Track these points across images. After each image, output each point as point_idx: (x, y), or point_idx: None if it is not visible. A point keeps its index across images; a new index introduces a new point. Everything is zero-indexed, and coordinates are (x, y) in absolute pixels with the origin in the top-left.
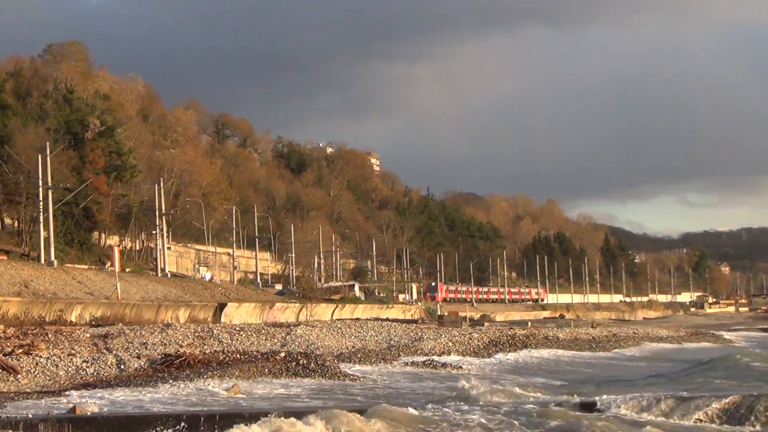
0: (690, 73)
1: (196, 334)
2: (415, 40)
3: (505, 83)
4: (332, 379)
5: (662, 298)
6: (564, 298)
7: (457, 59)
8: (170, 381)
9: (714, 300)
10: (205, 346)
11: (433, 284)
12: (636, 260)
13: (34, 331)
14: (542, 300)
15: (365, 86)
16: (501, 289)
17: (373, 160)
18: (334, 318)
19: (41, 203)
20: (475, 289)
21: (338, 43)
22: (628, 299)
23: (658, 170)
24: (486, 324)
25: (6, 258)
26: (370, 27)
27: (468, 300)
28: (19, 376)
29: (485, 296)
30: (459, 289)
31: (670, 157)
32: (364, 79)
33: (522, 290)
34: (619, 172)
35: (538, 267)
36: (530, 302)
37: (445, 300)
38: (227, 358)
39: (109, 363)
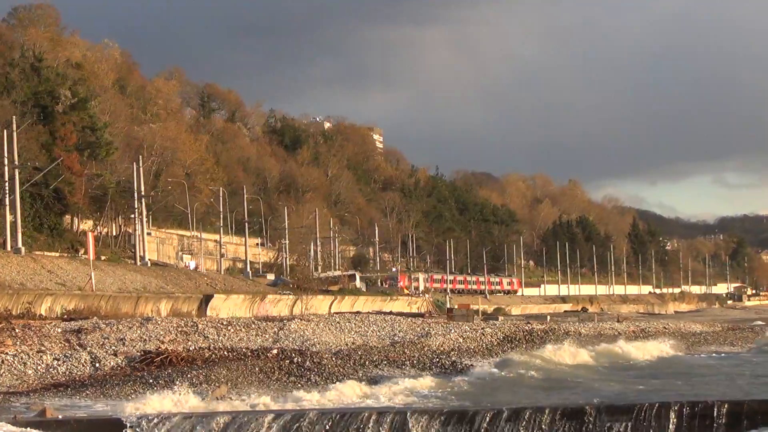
0: (732, 45)
1: (179, 329)
2: (424, 0)
3: (526, 50)
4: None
5: (696, 289)
6: (587, 290)
7: (472, 22)
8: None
9: (753, 291)
10: (189, 343)
11: (394, 269)
12: (667, 247)
13: (0, 326)
14: (515, 292)
15: (367, 53)
16: (480, 279)
17: (376, 136)
18: (332, 311)
19: (7, 184)
20: (451, 277)
21: (337, 3)
22: (658, 291)
23: (693, 147)
24: (500, 318)
25: None
26: None
27: (443, 291)
28: None
29: (463, 286)
30: (434, 278)
31: (706, 132)
32: (366, 45)
33: (493, 279)
34: (648, 149)
35: (558, 255)
36: (502, 293)
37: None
38: (213, 356)
39: (82, 361)
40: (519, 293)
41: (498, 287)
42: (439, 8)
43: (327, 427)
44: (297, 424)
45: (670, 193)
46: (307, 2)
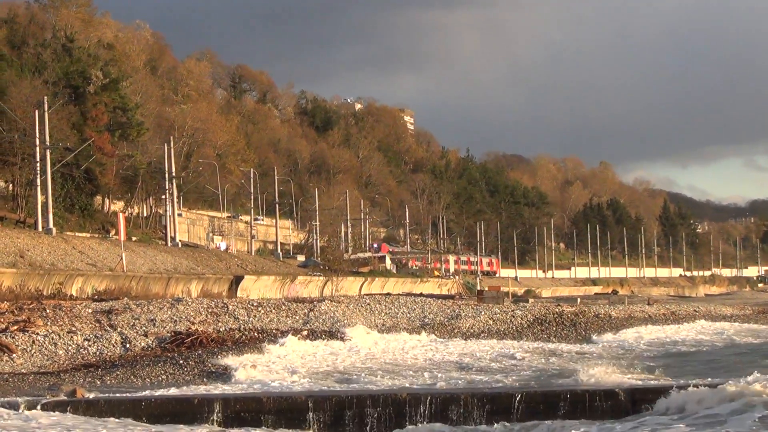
0: (765, 26)
1: (210, 310)
2: None
3: (556, 33)
4: None
5: (726, 272)
6: (617, 272)
7: (502, 4)
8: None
9: None
10: (220, 324)
11: (375, 246)
12: (698, 230)
13: (31, 306)
14: (495, 273)
15: (397, 35)
16: (462, 258)
17: (407, 118)
18: (363, 293)
19: (38, 164)
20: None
21: None
22: (688, 273)
23: (724, 130)
24: (531, 300)
25: None
26: None
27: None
28: (14, 355)
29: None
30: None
31: (737, 115)
32: (396, 28)
33: (466, 259)
34: (679, 132)
35: (589, 237)
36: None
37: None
38: (244, 337)
39: (113, 341)
40: (497, 275)
41: (472, 267)
42: None
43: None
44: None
45: (701, 175)
46: None
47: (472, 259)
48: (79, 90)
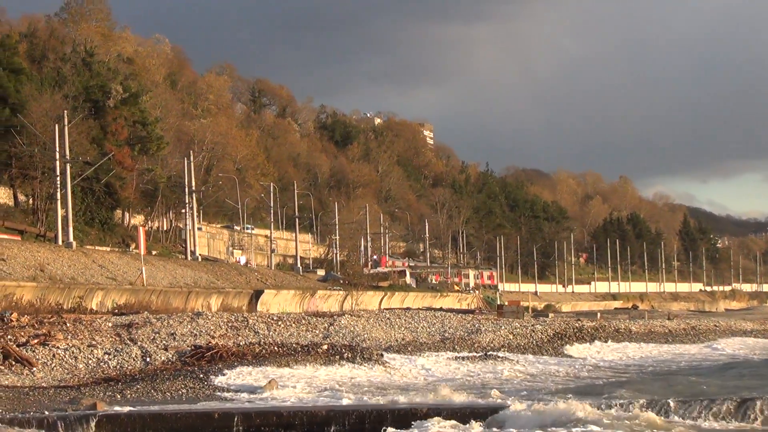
0: None
1: (230, 324)
2: None
3: (574, 46)
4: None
5: (746, 287)
6: (637, 287)
7: (520, 18)
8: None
9: None
10: (240, 338)
11: (375, 258)
12: (718, 245)
13: (51, 320)
14: (493, 285)
15: (417, 49)
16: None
17: (426, 132)
18: (382, 307)
19: (58, 178)
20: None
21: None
22: (708, 288)
23: (744, 144)
24: (551, 315)
25: (20, 239)
26: None
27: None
28: (34, 369)
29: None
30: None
31: (757, 129)
32: (416, 41)
33: (467, 272)
34: (699, 146)
35: (608, 252)
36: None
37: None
38: (264, 351)
39: (133, 355)
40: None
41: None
42: (487, 5)
43: None
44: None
45: (721, 190)
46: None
47: (471, 272)
48: (98, 104)
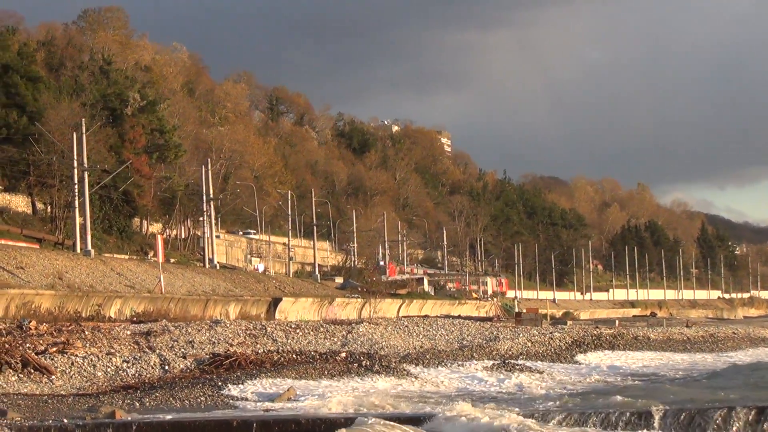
0: None
1: (248, 332)
2: (491, 3)
3: (592, 52)
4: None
5: (765, 294)
6: (655, 294)
7: (539, 25)
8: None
9: None
10: (258, 345)
11: (382, 263)
12: (736, 252)
13: (70, 328)
14: (503, 292)
15: (434, 56)
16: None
17: (444, 140)
18: (401, 315)
19: (76, 186)
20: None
21: (404, 7)
22: (726, 296)
23: (762, 151)
24: (569, 322)
25: (38, 247)
26: None
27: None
28: (53, 377)
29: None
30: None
31: None
32: (433, 48)
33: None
34: (717, 153)
35: (627, 259)
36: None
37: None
38: (282, 359)
39: (152, 363)
40: (506, 296)
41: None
42: (505, 11)
43: None
44: None
45: (739, 197)
46: (374, 6)
47: (489, 280)
48: (116, 112)
